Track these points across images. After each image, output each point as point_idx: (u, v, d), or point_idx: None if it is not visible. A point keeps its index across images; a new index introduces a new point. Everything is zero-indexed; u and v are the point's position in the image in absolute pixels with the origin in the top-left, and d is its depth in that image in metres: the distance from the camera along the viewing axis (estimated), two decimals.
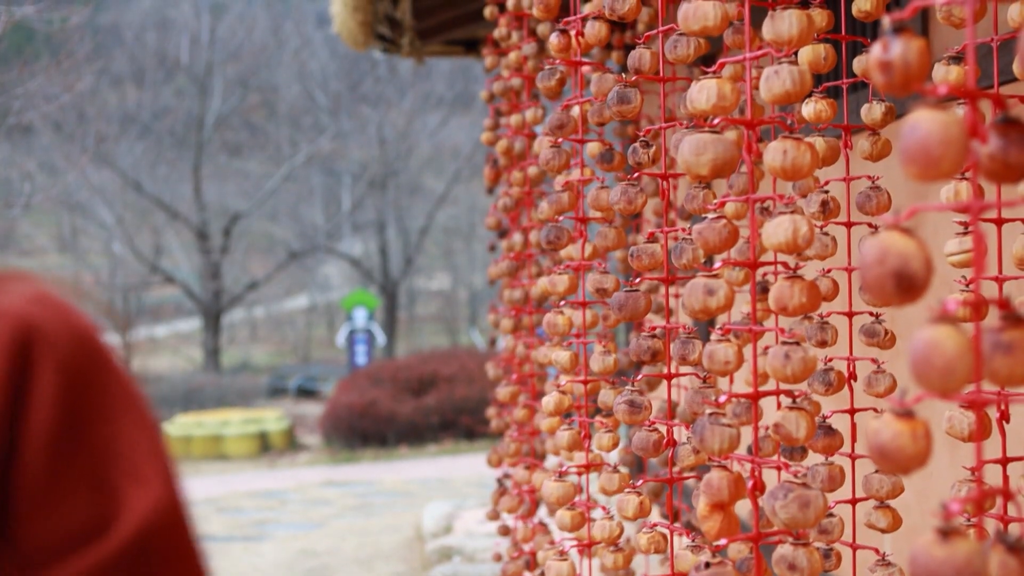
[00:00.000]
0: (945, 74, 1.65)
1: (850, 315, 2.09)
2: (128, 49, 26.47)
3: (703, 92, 1.43)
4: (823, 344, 2.06)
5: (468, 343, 25.21)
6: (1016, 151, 0.98)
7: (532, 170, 3.28)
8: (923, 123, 0.91)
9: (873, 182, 2.04)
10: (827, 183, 2.11)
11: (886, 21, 0.97)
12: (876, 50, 0.97)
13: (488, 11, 3.78)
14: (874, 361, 2.07)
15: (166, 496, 0.85)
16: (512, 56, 3.43)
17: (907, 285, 0.96)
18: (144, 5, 29.36)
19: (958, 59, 1.66)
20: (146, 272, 23.91)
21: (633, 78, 1.92)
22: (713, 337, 1.48)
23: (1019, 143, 0.99)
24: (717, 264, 1.47)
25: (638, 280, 1.89)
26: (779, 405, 1.52)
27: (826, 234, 2.12)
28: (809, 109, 2.00)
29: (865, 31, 2.84)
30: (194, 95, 24.64)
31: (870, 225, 2.14)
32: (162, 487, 0.85)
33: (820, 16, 2.09)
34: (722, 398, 1.41)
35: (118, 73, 25.83)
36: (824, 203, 2.07)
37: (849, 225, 2.12)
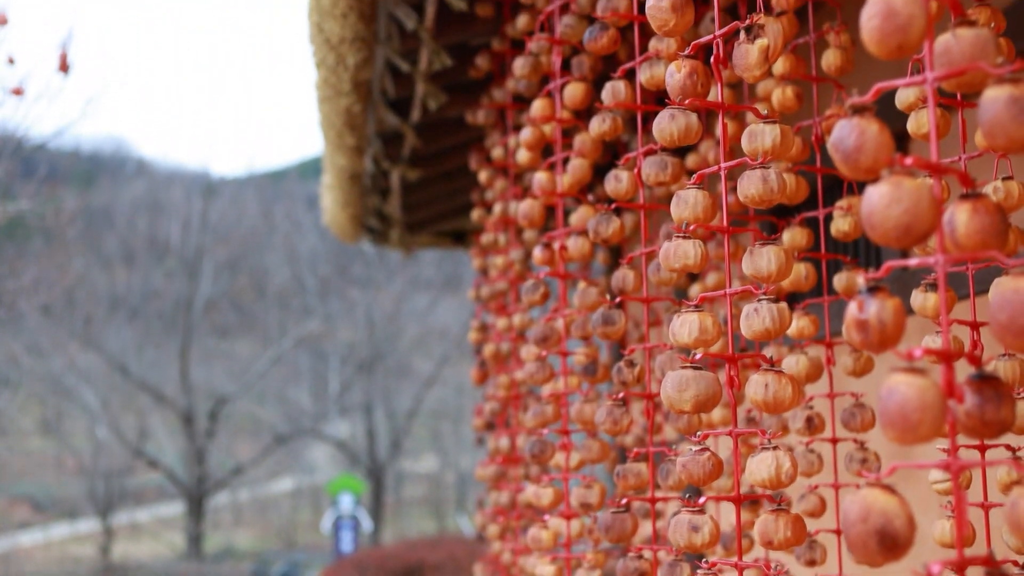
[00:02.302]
0: (923, 301, 1.67)
1: (838, 533, 2.08)
2: (119, 232, 26.79)
3: (685, 326, 1.45)
4: (812, 563, 2.04)
5: (455, 528, 24.83)
6: (992, 408, 1.00)
7: (518, 374, 3.29)
8: (900, 388, 0.93)
9: (857, 399, 2.05)
10: (811, 399, 2.13)
11: (860, 281, 0.99)
12: (852, 309, 0.99)
13: (476, 214, 3.85)
14: None
15: None
16: (499, 260, 3.48)
17: (891, 544, 0.96)
18: (136, 189, 29.83)
19: (935, 286, 1.69)
20: (129, 456, 23.65)
21: (617, 299, 1.95)
22: (700, 572, 1.47)
23: (994, 400, 1.00)
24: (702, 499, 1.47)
25: (624, 501, 1.88)
26: None
27: (812, 451, 2.13)
28: (792, 327, 2.03)
29: (846, 249, 2.90)
30: (184, 278, 24.82)
31: (856, 441, 2.14)
32: None
33: (801, 235, 2.14)
34: None
35: (108, 255, 26.08)
36: (809, 419, 2.08)
37: (835, 442, 2.13)
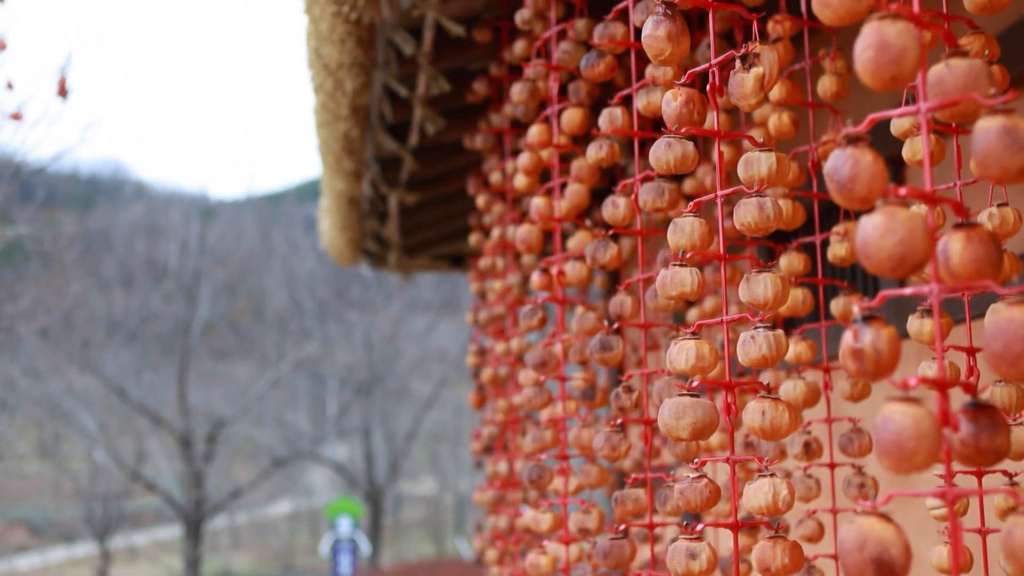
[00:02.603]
0: (919, 327, 1.68)
1: (836, 558, 2.08)
2: (117, 255, 26.77)
3: (682, 353, 1.45)
4: None
5: (454, 551, 24.76)
6: (987, 437, 1.00)
7: (517, 399, 3.29)
8: (896, 418, 0.93)
9: (855, 424, 2.05)
10: (809, 424, 2.13)
11: (856, 310, 0.99)
12: (847, 338, 1.00)
13: (474, 239, 3.85)
14: None
15: None
16: (497, 284, 3.48)
17: (887, 572, 0.96)
18: (134, 212, 29.84)
19: (931, 312, 1.69)
20: (127, 479, 23.57)
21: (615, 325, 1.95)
22: None
23: (989, 428, 1.00)
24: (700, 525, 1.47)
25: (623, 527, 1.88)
26: None
27: (809, 476, 2.13)
28: (789, 352, 2.03)
29: (843, 275, 2.91)
30: (182, 301, 24.76)
31: (854, 466, 2.15)
32: None
33: (798, 261, 2.14)
34: None
35: (106, 279, 26.04)
36: (807, 445, 2.09)
37: (832, 467, 2.13)
